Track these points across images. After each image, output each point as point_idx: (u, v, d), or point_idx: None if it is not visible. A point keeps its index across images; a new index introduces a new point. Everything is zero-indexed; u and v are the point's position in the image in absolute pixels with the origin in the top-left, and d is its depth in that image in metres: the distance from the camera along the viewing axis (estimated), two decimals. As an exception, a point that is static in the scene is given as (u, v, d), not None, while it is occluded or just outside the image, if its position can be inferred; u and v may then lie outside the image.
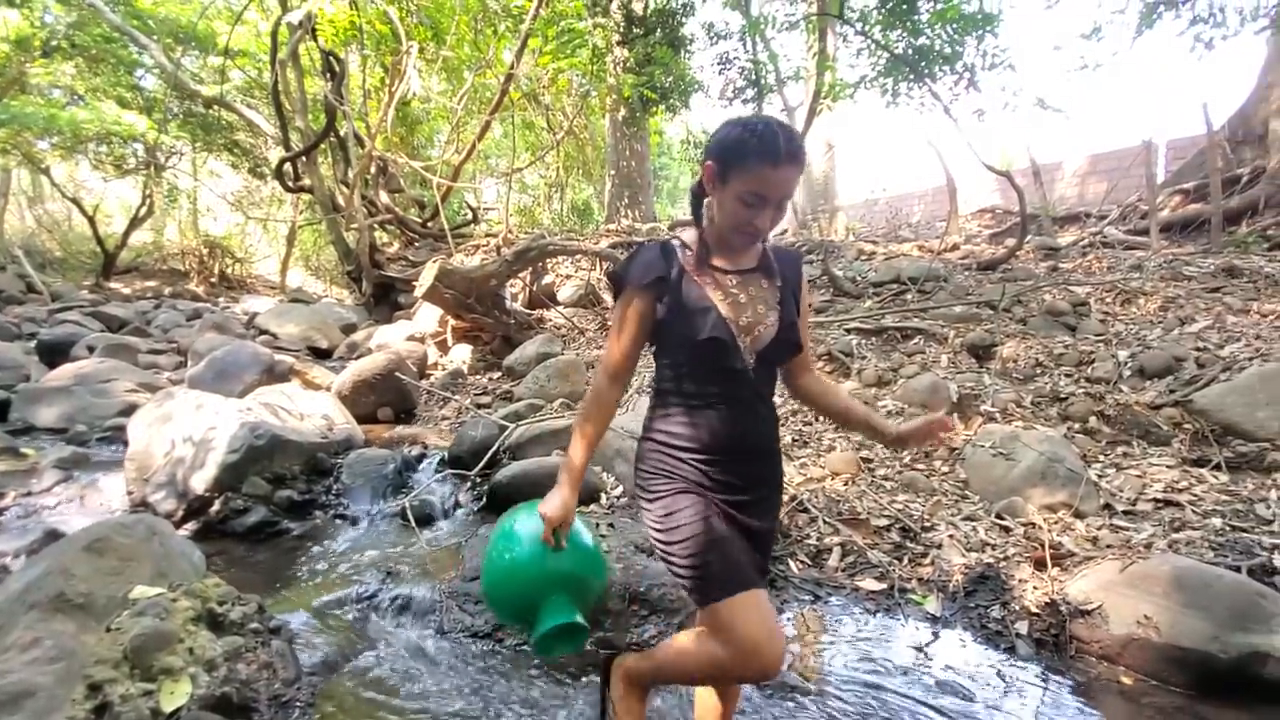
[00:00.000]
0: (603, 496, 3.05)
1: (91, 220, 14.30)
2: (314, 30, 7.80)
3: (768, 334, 1.31)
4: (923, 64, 5.74)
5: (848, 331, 4.69)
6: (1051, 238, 7.17)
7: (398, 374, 4.51)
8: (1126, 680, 1.92)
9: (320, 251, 18.17)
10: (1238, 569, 2.12)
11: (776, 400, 1.49)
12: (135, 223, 15.16)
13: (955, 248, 7.18)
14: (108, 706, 1.44)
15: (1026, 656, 2.04)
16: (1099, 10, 8.27)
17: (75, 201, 14.73)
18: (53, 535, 2.58)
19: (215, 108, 11.41)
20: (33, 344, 6.10)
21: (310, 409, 3.73)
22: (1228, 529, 2.44)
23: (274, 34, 7.99)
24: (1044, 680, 1.93)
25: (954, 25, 5.52)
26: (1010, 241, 6.71)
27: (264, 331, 7.50)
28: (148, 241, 16.87)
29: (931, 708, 1.80)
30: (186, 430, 3.07)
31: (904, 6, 5.24)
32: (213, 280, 15.45)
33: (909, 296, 5.28)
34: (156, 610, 1.63)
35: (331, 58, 8.31)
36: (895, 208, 13.38)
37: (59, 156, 14.35)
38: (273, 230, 18.65)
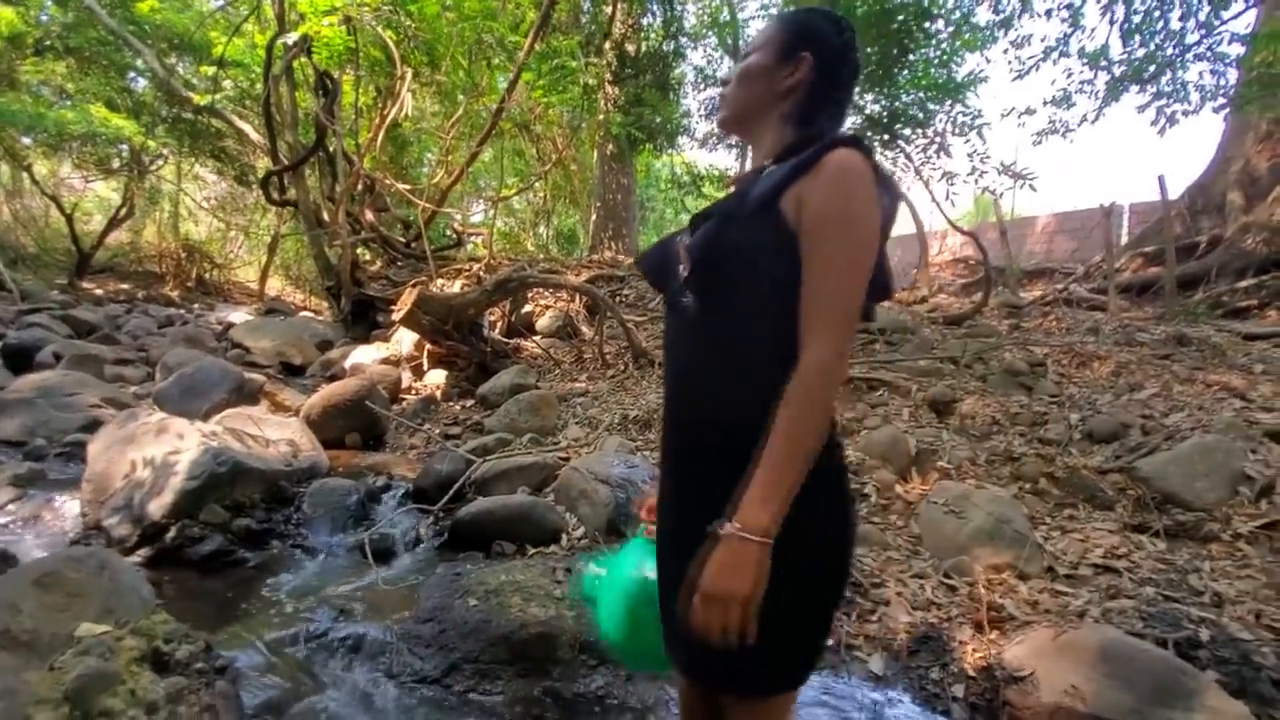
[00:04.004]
0: (563, 538, 3.08)
1: (69, 218, 14.10)
2: (309, 49, 7.88)
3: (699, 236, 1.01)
4: (895, 125, 6.01)
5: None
6: (1015, 295, 7.43)
7: (369, 402, 4.51)
8: (1053, 748, 1.99)
9: (301, 262, 18.04)
10: (1164, 642, 2.21)
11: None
12: (114, 223, 14.97)
13: (924, 300, 7.40)
14: (43, 750, 1.44)
15: (961, 720, 2.11)
16: (1068, 80, 8.67)
17: (54, 198, 14.53)
18: (2, 557, 2.55)
19: (205, 115, 11.42)
20: (-3, 346, 5.97)
21: (276, 434, 3.72)
22: (1160, 599, 2.54)
23: (269, 49, 8.05)
24: (975, 746, 2.00)
25: (927, 92, 5.81)
26: (979, 295, 6.94)
27: (237, 345, 7.44)
28: (125, 242, 16.63)
29: (864, 771, 1.85)
30: (148, 454, 3.05)
31: (880, 73, 5.52)
32: (189, 285, 15.26)
33: (876, 347, 5.42)
34: (101, 650, 1.64)
35: (325, 77, 8.40)
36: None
37: (42, 154, 14.19)
38: (254, 237, 18.51)
